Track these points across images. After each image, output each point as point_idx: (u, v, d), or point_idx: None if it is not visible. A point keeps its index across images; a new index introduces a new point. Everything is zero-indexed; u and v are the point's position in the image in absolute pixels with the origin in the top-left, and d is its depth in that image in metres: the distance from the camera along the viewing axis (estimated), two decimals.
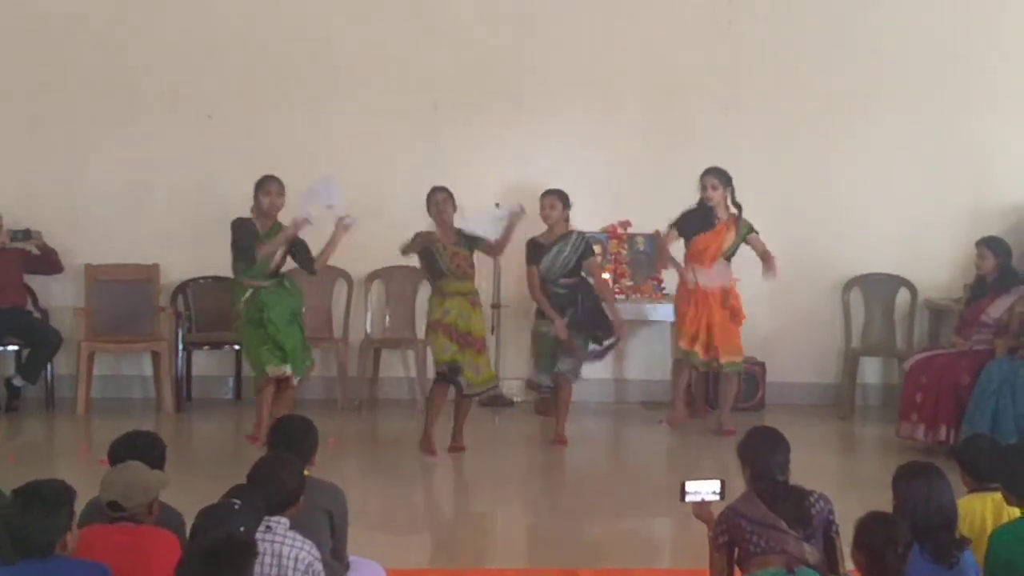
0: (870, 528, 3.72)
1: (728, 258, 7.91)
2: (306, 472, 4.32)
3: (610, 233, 8.84)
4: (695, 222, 7.83)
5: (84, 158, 8.87)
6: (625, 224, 8.78)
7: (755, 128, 8.99)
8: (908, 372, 7.76)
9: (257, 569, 3.61)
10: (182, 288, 8.87)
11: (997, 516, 4.29)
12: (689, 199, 7.89)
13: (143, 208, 8.91)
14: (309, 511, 4.20)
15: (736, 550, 4.15)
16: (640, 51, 9.00)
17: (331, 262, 8.52)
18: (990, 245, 7.70)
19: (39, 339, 8.49)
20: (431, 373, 7.67)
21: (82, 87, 8.83)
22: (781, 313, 9.00)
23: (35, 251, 8.57)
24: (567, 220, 7.71)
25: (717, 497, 4.38)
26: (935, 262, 8.96)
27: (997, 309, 7.49)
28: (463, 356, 7.25)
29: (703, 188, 7.78)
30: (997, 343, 7.36)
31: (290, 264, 7.44)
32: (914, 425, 7.53)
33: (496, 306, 8.74)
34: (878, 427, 8.42)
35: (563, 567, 5.45)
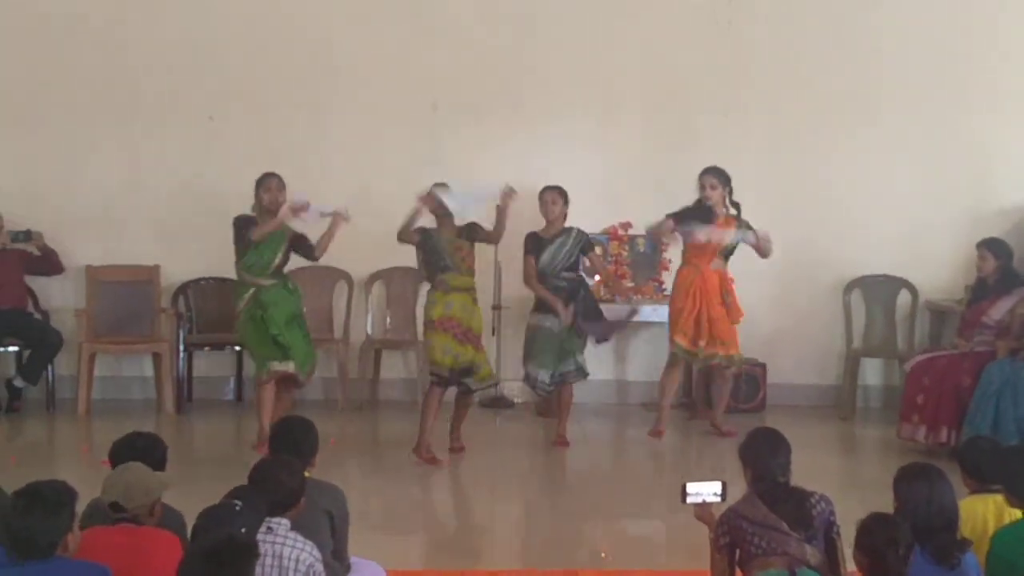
0: (871, 529, 3.72)
1: (726, 257, 7.88)
2: (307, 473, 4.33)
3: (611, 234, 8.85)
4: (695, 217, 7.77)
5: (85, 159, 8.87)
6: (626, 225, 8.78)
7: (755, 129, 8.99)
8: (909, 373, 7.76)
9: (258, 570, 3.62)
10: (183, 289, 8.87)
11: (999, 518, 4.29)
12: (689, 199, 7.88)
13: (144, 209, 8.91)
14: (310, 512, 4.21)
15: (737, 552, 4.15)
16: (640, 52, 9.00)
17: (332, 263, 8.57)
18: (991, 247, 7.70)
19: (40, 340, 8.49)
20: None
21: (82, 87, 8.83)
22: (782, 314, 9.00)
23: (36, 252, 8.57)
24: (565, 217, 7.71)
25: (718, 498, 4.38)
26: (936, 263, 8.96)
27: (998, 311, 7.49)
28: (465, 353, 7.19)
29: (702, 188, 7.77)
30: (998, 345, 7.36)
31: (290, 265, 7.43)
32: (915, 426, 7.53)
33: (497, 307, 8.74)
34: (879, 428, 8.41)
35: (564, 568, 5.45)
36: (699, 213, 7.75)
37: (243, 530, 3.70)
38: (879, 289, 9.04)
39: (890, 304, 9.03)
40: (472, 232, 7.30)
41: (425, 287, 7.52)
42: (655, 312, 8.47)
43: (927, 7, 9.02)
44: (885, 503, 4.12)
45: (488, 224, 7.35)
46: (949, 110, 8.98)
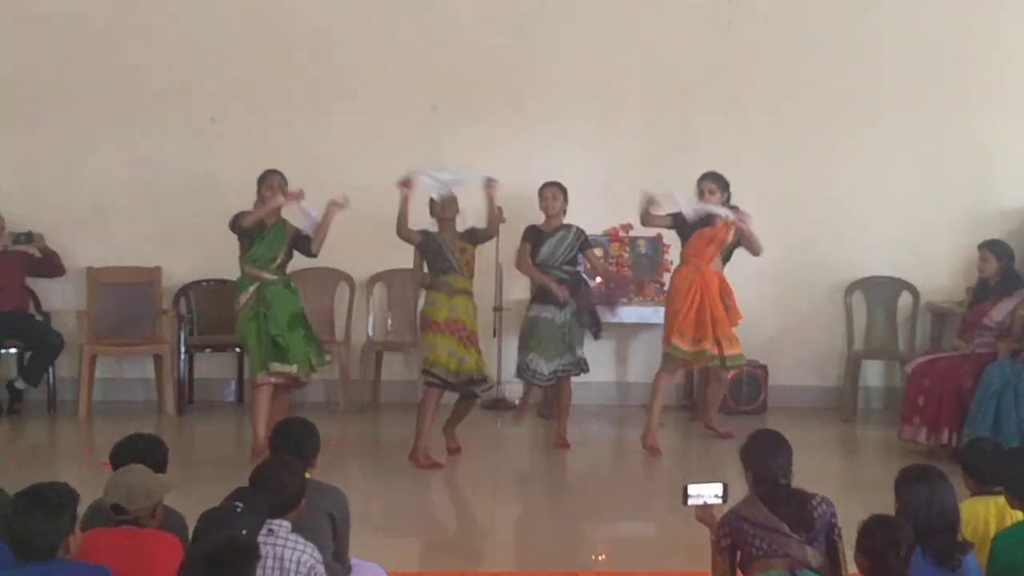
0: (873, 531, 3.72)
1: (724, 261, 7.81)
2: (307, 475, 4.33)
3: (611, 236, 8.84)
4: (693, 220, 7.74)
5: (85, 160, 8.87)
6: (627, 227, 8.77)
7: (755, 129, 8.99)
8: (910, 375, 7.76)
9: (259, 572, 3.61)
10: (184, 291, 8.87)
11: (1000, 520, 4.29)
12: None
13: (145, 210, 8.91)
14: (311, 514, 4.21)
15: (738, 553, 4.16)
16: (640, 52, 9.00)
17: (333, 265, 8.57)
18: (992, 248, 7.70)
19: (41, 342, 8.50)
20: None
21: (83, 88, 8.83)
22: (783, 316, 9.00)
23: (37, 254, 8.58)
24: (564, 213, 7.71)
25: (719, 500, 4.38)
26: (937, 265, 8.96)
27: (1000, 312, 7.49)
28: (469, 356, 7.15)
29: (700, 192, 7.70)
30: (999, 346, 7.35)
31: (291, 267, 7.42)
32: (916, 428, 7.53)
33: (498, 309, 8.73)
34: (880, 430, 8.41)
35: (565, 570, 5.45)
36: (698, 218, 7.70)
37: (244, 532, 3.70)
38: (880, 291, 9.04)
39: (891, 306, 9.03)
40: (473, 235, 7.30)
41: (419, 289, 7.48)
42: (656, 314, 8.46)
43: (927, 7, 9.02)
44: (886, 505, 4.12)
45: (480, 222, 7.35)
46: (949, 110, 8.98)
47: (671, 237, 8.27)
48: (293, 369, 7.05)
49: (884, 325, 9.04)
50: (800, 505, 4.12)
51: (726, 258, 7.79)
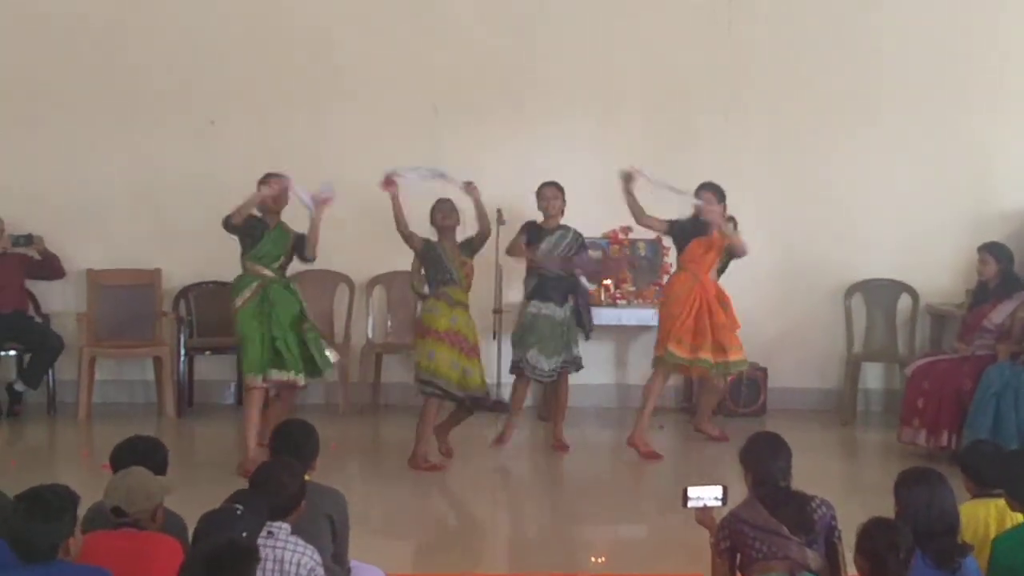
0: (872, 534, 3.72)
1: (719, 271, 7.77)
2: (307, 477, 4.32)
3: (611, 238, 8.83)
4: (690, 229, 7.65)
5: (85, 162, 8.87)
6: (626, 230, 8.75)
7: (755, 129, 8.99)
8: (910, 377, 7.75)
9: (259, 574, 3.61)
10: (184, 293, 8.87)
11: (1000, 522, 4.29)
12: (689, 199, 7.81)
13: (145, 212, 8.91)
14: (311, 516, 4.21)
15: (738, 556, 4.16)
16: (640, 52, 9.00)
17: (332, 267, 8.57)
18: (992, 250, 7.70)
19: (41, 344, 8.50)
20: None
21: (83, 88, 8.83)
22: (783, 318, 8.99)
23: (37, 256, 8.57)
24: (562, 213, 7.70)
25: (719, 503, 4.39)
26: (937, 267, 8.95)
27: (999, 314, 7.48)
28: (472, 367, 7.16)
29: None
30: (999, 348, 7.35)
31: (292, 270, 7.42)
32: (916, 430, 7.52)
33: (498, 311, 8.70)
34: (880, 432, 8.41)
35: (565, 572, 5.45)
36: (695, 227, 7.67)
37: (244, 534, 3.70)
38: (880, 293, 9.03)
39: (891, 308, 9.02)
40: (470, 246, 7.30)
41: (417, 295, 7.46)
42: (655, 317, 8.45)
43: (927, 7, 9.01)
44: (886, 507, 4.12)
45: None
46: (949, 110, 8.98)
47: (671, 239, 8.25)
48: (290, 376, 7.02)
49: (884, 327, 9.03)
50: (800, 507, 4.13)
51: (721, 269, 7.72)
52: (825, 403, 9.00)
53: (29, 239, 8.48)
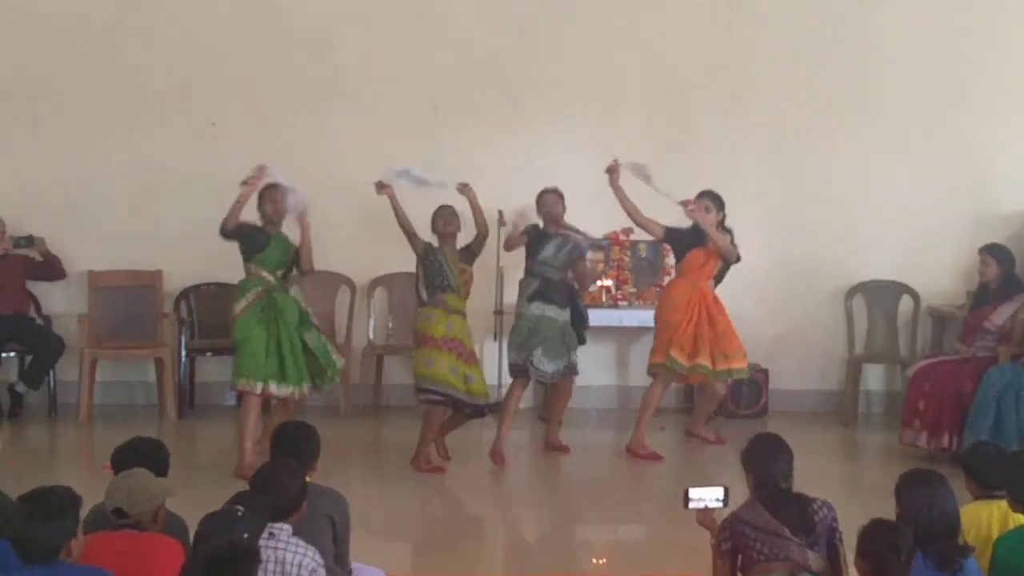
0: (873, 535, 3.72)
1: (716, 281, 7.75)
2: (308, 478, 4.33)
3: (612, 240, 8.82)
4: (689, 238, 7.61)
5: (86, 163, 8.87)
6: (627, 231, 8.73)
7: (755, 129, 8.99)
8: (911, 379, 7.75)
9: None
10: (185, 294, 8.87)
11: (1003, 524, 4.29)
12: (665, 197, 7.76)
13: (146, 214, 8.90)
14: (312, 517, 4.21)
15: (739, 557, 4.16)
16: (640, 52, 9.00)
17: (333, 268, 8.57)
18: (993, 252, 7.69)
19: (42, 345, 8.50)
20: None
21: (83, 90, 8.83)
22: (784, 320, 8.99)
23: (38, 257, 8.58)
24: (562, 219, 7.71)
25: (720, 504, 4.39)
26: (938, 269, 8.95)
27: (1000, 316, 7.48)
28: (473, 372, 7.15)
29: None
30: (1000, 350, 7.34)
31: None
32: (917, 432, 7.52)
33: (499, 312, 8.71)
34: (881, 434, 8.41)
35: (566, 573, 5.45)
36: (692, 236, 7.62)
37: (245, 536, 3.70)
38: (881, 295, 9.02)
39: (892, 310, 9.02)
40: (469, 253, 7.30)
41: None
42: None
43: (927, 7, 9.01)
44: (887, 509, 4.12)
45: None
46: (949, 110, 8.97)
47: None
48: (290, 391, 7.00)
49: (885, 329, 9.03)
50: (801, 509, 4.13)
51: (719, 277, 7.69)
52: (826, 405, 8.99)
53: (30, 240, 8.48)
